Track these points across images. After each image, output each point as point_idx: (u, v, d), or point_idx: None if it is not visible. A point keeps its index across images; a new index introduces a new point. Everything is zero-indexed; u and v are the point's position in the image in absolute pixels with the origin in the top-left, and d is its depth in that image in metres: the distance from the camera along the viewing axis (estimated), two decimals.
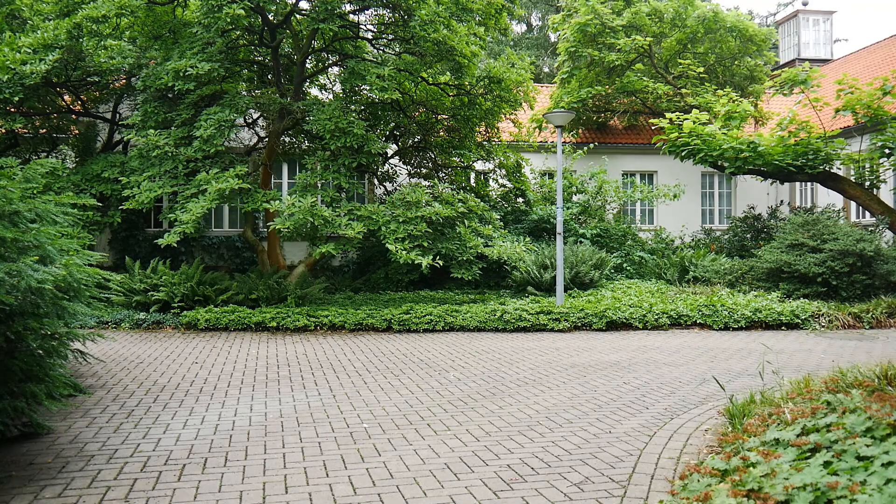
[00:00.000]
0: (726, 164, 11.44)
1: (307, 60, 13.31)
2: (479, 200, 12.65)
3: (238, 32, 12.11)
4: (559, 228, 11.72)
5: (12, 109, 12.21)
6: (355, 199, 15.54)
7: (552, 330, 10.52)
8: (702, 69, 17.70)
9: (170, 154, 11.33)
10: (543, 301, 11.79)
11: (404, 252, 10.63)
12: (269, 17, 11.99)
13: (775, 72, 14.05)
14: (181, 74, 11.05)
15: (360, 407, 6.04)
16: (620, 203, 18.28)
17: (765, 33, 18.79)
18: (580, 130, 19.91)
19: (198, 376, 7.33)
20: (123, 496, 3.97)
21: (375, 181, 15.86)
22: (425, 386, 6.86)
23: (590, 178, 17.84)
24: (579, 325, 10.65)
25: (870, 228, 14.47)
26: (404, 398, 6.35)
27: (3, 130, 13.18)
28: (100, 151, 14.22)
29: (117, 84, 13.91)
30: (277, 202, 11.13)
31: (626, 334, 10.20)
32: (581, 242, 15.59)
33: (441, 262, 11.11)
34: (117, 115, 14.78)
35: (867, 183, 11.78)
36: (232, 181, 10.80)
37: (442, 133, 14.83)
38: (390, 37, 13.36)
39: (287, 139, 14.51)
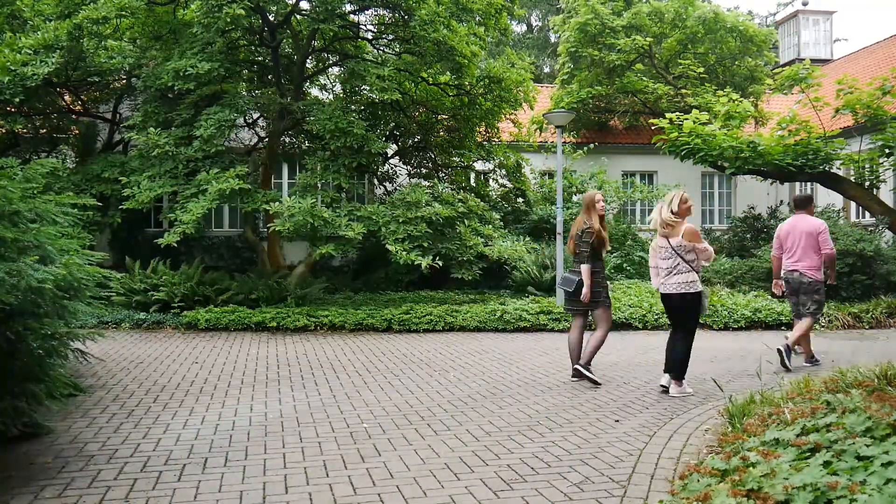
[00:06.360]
0: (726, 164, 11.41)
1: (307, 60, 13.31)
2: (479, 200, 12.64)
3: (238, 32, 12.11)
4: (559, 228, 11.72)
5: (13, 110, 12.20)
6: (355, 200, 15.52)
7: (552, 330, 10.52)
8: (702, 69, 17.70)
9: (170, 154, 11.32)
10: (543, 301, 11.78)
11: (404, 253, 10.63)
12: (269, 17, 11.99)
13: (775, 71, 14.05)
14: (181, 74, 11.05)
15: (360, 407, 6.04)
16: (620, 203, 18.28)
17: (765, 33, 18.79)
18: (580, 131, 19.90)
19: (198, 376, 7.33)
20: (124, 496, 3.97)
21: (375, 181, 15.85)
22: (425, 386, 6.86)
23: (590, 179, 17.84)
24: None
25: (870, 228, 14.45)
26: (404, 398, 6.35)
27: (4, 131, 13.17)
28: (100, 151, 14.21)
29: (117, 84, 13.90)
30: (277, 204, 11.12)
31: (626, 334, 10.20)
32: None
33: (441, 263, 11.10)
34: (117, 115, 14.76)
35: (867, 183, 11.76)
36: (232, 181, 10.80)
37: (442, 133, 14.81)
38: (390, 37, 13.36)
39: (287, 139, 14.50)
